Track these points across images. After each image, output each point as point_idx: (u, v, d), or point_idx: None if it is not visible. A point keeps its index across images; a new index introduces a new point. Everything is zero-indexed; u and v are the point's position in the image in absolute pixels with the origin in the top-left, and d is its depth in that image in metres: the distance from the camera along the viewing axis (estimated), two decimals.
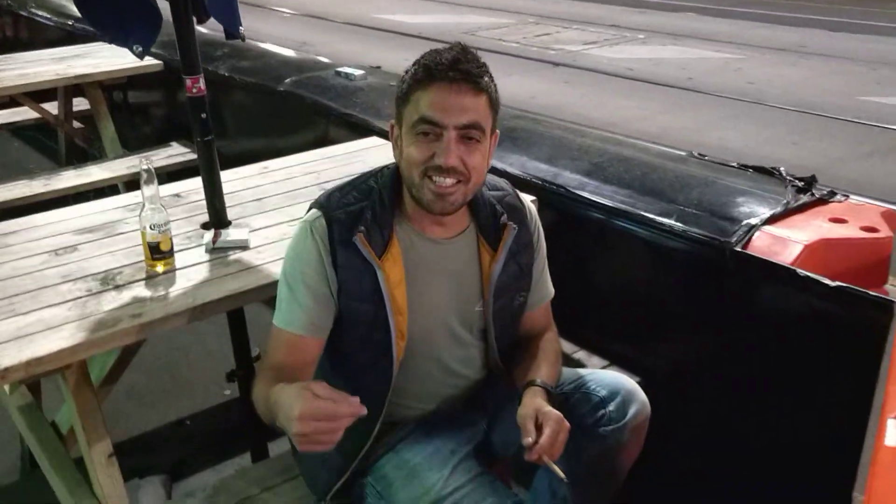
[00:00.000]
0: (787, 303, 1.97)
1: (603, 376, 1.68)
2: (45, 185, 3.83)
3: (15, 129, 5.28)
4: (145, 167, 1.96)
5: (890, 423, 1.42)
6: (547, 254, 1.84)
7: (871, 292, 1.79)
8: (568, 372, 1.74)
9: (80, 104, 4.75)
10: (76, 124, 4.82)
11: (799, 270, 1.89)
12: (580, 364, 2.31)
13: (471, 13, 11.57)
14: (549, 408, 1.53)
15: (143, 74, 4.29)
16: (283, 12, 11.49)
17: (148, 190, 1.96)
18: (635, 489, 2.25)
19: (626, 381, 1.65)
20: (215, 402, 3.03)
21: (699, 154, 2.61)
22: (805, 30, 10.28)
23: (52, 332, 1.73)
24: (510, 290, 1.73)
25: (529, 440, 1.48)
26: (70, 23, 5.53)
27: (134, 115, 5.10)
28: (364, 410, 1.28)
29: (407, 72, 1.56)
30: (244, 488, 1.90)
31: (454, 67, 1.49)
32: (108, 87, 4.57)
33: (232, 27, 2.04)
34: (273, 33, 6.06)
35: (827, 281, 1.84)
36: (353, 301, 1.61)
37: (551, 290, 1.87)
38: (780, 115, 6.54)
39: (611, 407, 1.59)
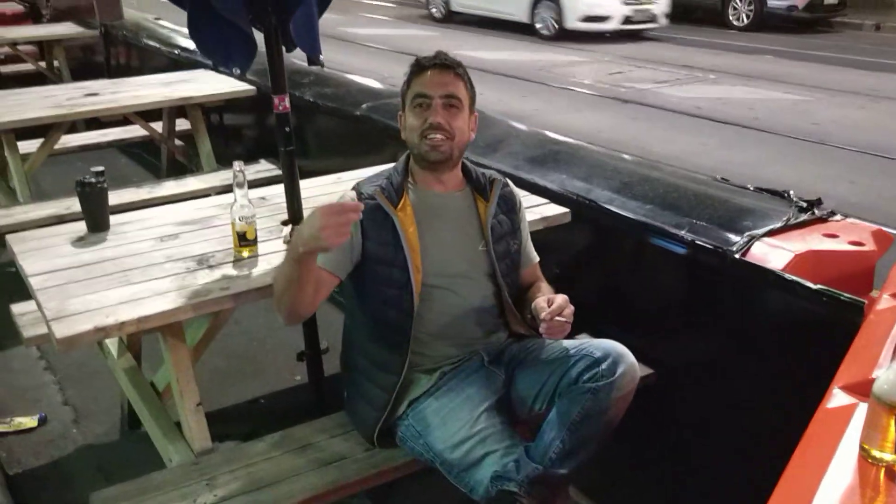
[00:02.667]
0: (777, 304, 2.25)
1: (600, 342, 2.02)
2: (149, 192, 4.35)
3: (123, 145, 5.88)
4: (238, 169, 2.38)
5: (835, 390, 1.70)
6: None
7: (845, 294, 2.06)
8: (574, 341, 2.08)
9: (181, 125, 5.31)
10: (177, 142, 5.38)
11: (786, 275, 2.17)
12: None
13: (547, 51, 11.97)
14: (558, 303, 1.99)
15: (238, 98, 4.82)
16: (380, 48, 12.06)
17: (239, 188, 2.37)
18: (639, 459, 2.55)
19: (618, 347, 1.98)
20: (286, 386, 3.42)
21: (721, 178, 2.91)
22: (882, 74, 10.32)
23: (158, 298, 2.15)
24: (505, 237, 2.23)
25: (543, 315, 1.94)
26: (176, 51, 6.12)
27: (228, 134, 5.61)
28: (361, 205, 1.89)
29: (405, 74, 2.17)
30: (307, 436, 2.28)
31: (436, 59, 2.13)
32: (206, 109, 5.09)
33: (313, 54, 2.46)
34: (365, 67, 6.51)
35: (809, 284, 2.12)
36: (375, 245, 2.10)
37: (536, 256, 2.38)
38: (841, 154, 6.70)
39: (603, 366, 1.92)
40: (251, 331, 3.80)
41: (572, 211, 2.70)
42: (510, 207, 2.27)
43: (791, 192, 2.61)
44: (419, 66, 2.14)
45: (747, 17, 14.38)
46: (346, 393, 2.34)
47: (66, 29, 7.49)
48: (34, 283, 2.21)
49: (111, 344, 2.84)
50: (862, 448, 1.42)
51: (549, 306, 1.96)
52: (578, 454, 1.92)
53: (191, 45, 6.06)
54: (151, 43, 6.51)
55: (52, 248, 2.45)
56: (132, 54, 6.97)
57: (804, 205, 2.52)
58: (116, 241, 2.52)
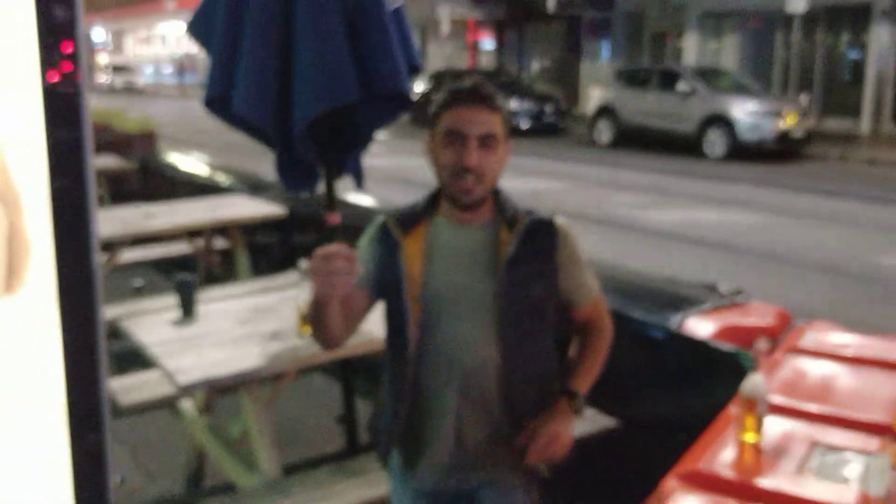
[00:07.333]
0: (701, 361, 3.03)
1: None
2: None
3: (161, 262, 6.69)
4: (304, 267, 3.19)
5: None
6: None
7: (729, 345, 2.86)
8: None
9: (217, 243, 6.15)
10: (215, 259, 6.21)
11: (708, 340, 2.96)
12: None
13: (535, 179, 13.02)
14: (547, 425, 1.97)
15: (272, 220, 5.68)
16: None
17: (303, 280, 3.17)
18: None
19: None
20: (322, 452, 4.07)
21: (669, 277, 3.74)
22: (844, 200, 11.28)
23: (244, 360, 2.92)
24: (526, 278, 1.98)
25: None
26: (204, 179, 7.04)
27: (261, 251, 6.46)
28: (356, 262, 1.73)
29: (438, 97, 1.98)
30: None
31: (474, 91, 1.92)
32: (244, 229, 5.95)
33: (359, 182, 3.33)
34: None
35: (717, 345, 2.91)
36: (382, 271, 2.02)
37: (593, 288, 2.15)
38: (800, 269, 7.61)
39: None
40: (283, 412, 4.46)
41: None
42: (545, 246, 2.01)
43: (717, 284, 3.44)
44: (454, 98, 1.94)
45: (721, 148, 15.57)
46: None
47: (108, 161, 8.47)
48: (155, 351, 2.98)
49: (186, 403, 3.57)
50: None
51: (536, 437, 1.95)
52: None
53: (213, 174, 6.99)
54: (184, 171, 7.45)
55: (159, 328, 3.23)
56: (166, 183, 7.90)
57: (727, 294, 3.34)
58: (206, 323, 3.30)
